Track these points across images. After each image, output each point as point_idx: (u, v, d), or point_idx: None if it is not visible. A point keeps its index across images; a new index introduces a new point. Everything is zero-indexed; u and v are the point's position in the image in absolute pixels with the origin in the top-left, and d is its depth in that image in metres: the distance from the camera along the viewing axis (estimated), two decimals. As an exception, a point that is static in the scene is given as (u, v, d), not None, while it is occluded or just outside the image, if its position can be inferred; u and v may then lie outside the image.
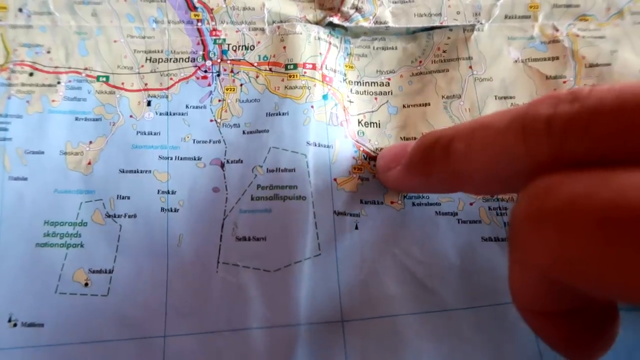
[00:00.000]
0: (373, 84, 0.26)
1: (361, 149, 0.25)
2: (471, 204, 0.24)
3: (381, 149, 0.25)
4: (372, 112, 0.26)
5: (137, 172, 0.24)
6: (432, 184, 0.20)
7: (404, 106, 0.26)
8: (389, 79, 0.27)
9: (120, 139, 0.25)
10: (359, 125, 0.26)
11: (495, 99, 0.25)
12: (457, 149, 0.17)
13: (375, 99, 0.26)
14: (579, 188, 0.12)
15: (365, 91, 0.26)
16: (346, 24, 0.26)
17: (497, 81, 0.26)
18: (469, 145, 0.16)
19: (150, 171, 0.24)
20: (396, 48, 0.27)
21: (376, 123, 0.26)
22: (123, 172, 0.24)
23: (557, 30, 0.26)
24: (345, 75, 0.26)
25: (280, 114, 0.25)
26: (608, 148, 0.13)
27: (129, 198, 0.24)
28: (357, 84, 0.26)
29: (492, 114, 0.16)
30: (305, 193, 0.23)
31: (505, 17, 0.27)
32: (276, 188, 0.23)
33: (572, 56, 0.26)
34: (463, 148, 0.17)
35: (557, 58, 0.26)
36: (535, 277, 0.14)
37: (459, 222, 0.24)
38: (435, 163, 0.18)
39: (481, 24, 0.26)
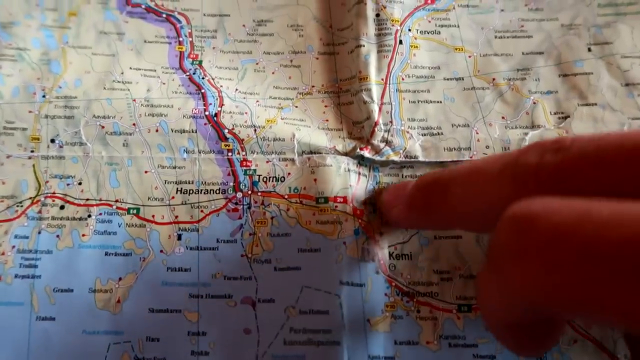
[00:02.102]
0: (403, 213, 0.26)
1: (393, 284, 0.25)
2: (508, 345, 0.24)
3: (415, 282, 0.25)
4: (403, 243, 0.26)
5: (167, 311, 0.24)
6: (430, 221, 0.22)
7: (435, 237, 0.26)
8: (419, 208, 0.27)
9: (150, 276, 0.24)
10: (390, 258, 0.25)
11: (527, 233, 0.25)
12: (454, 191, 0.19)
13: (406, 229, 0.26)
14: (560, 220, 0.13)
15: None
16: (377, 158, 0.26)
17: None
18: (464, 189, 0.18)
19: (180, 310, 0.24)
20: (424, 176, 0.27)
21: (407, 255, 0.25)
22: (153, 311, 0.24)
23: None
24: (375, 205, 0.26)
25: (312, 251, 0.24)
26: (589, 191, 0.14)
27: (158, 340, 0.23)
28: (387, 214, 0.26)
29: (485, 159, 0.18)
30: (339, 338, 0.23)
31: (534, 150, 0.27)
32: (309, 332, 0.23)
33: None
34: (459, 191, 0.18)
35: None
36: (512, 299, 0.15)
37: (497, 367, 0.23)
38: (434, 202, 0.20)
39: (510, 157, 0.27)
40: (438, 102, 0.29)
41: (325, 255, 0.24)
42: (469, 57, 0.30)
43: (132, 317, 0.24)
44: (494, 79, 0.29)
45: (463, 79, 0.29)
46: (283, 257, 0.25)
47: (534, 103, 0.28)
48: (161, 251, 0.25)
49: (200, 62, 0.30)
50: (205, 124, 0.27)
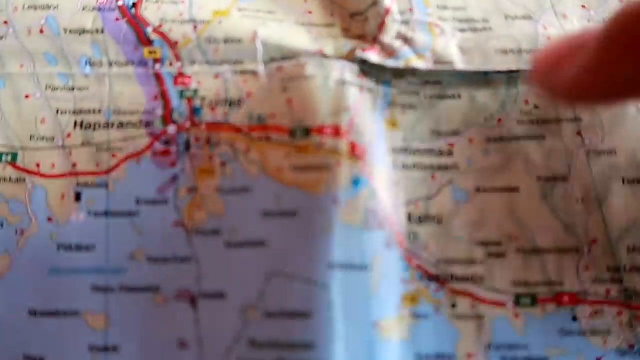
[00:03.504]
0: (428, 152, 0.17)
1: (414, 264, 0.16)
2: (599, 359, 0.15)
3: (449, 260, 0.16)
4: (429, 199, 0.17)
5: (58, 314, 0.15)
6: None
7: (477, 190, 0.17)
8: (452, 145, 0.17)
9: (31, 259, 0.16)
10: (409, 222, 0.16)
11: (624, 183, 0.16)
12: None
13: (433, 177, 0.17)
14: None
15: (416, 164, 0.17)
16: (390, 63, 0.17)
17: (624, 155, 0.17)
18: None
19: (78, 313, 0.15)
20: (460, 97, 0.18)
21: (436, 217, 0.17)
22: (35, 314, 0.16)
23: None
24: (386, 139, 0.17)
25: (284, 215, 0.15)
26: None
27: (42, 359, 0.15)
28: (404, 153, 0.17)
29: None
30: (328, 355, 0.14)
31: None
32: (281, 347, 0.14)
33: None
34: None
35: None
36: None
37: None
38: None
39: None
40: (481, -19, 0.19)
41: (305, 222, 0.15)
42: None
43: (3, 322, 0.15)
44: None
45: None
46: (240, 225, 0.16)
47: None
48: (49, 219, 0.16)
49: None
50: (117, 19, 0.17)
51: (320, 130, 0.16)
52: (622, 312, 0.15)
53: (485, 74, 0.18)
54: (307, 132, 0.16)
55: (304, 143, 0.16)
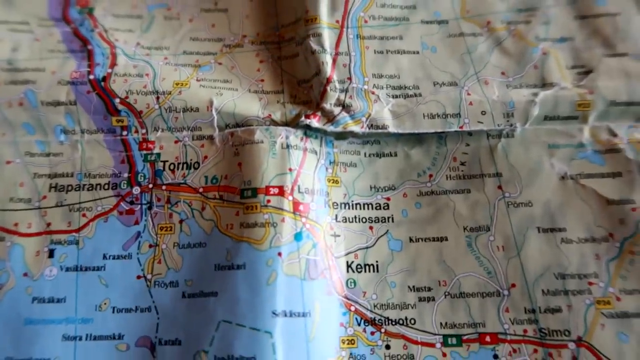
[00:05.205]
0: (366, 206, 0.19)
1: (352, 309, 0.18)
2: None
3: (382, 305, 0.18)
4: (367, 248, 0.19)
5: None
6: None
7: (410, 240, 0.19)
8: (388, 199, 0.19)
9: (8, 311, 0.18)
10: (348, 270, 0.18)
11: (539, 231, 0.18)
12: None
13: (371, 228, 0.19)
14: None
15: (355, 217, 0.19)
16: (329, 128, 0.19)
17: (539, 206, 0.19)
18: None
19: None
20: (396, 154, 0.20)
21: (373, 265, 0.18)
22: None
23: (614, 135, 0.19)
24: (327, 195, 0.19)
25: (233, 268, 0.17)
26: None
27: (16, 405, 0.16)
28: (345, 207, 0.19)
29: None
30: (272, 396, 0.16)
31: (545, 118, 0.19)
32: (229, 389, 0.16)
33: (640, 170, 0.19)
34: None
35: (620, 174, 0.19)
36: None
37: None
38: None
39: (514, 127, 0.19)
40: (414, 52, 0.21)
41: (251, 274, 0.17)
42: (456, -10, 0.22)
43: (-19, 371, 0.17)
44: (488, 22, 0.22)
45: (447, 22, 0.22)
46: (195, 277, 0.18)
47: (544, 54, 0.21)
48: (25, 274, 0.18)
49: (91, 10, 0.22)
50: (88, 92, 0.20)
51: (266, 191, 0.18)
52: (537, 349, 0.17)
53: (420, 134, 0.20)
54: (255, 192, 0.18)
55: (252, 202, 0.18)
